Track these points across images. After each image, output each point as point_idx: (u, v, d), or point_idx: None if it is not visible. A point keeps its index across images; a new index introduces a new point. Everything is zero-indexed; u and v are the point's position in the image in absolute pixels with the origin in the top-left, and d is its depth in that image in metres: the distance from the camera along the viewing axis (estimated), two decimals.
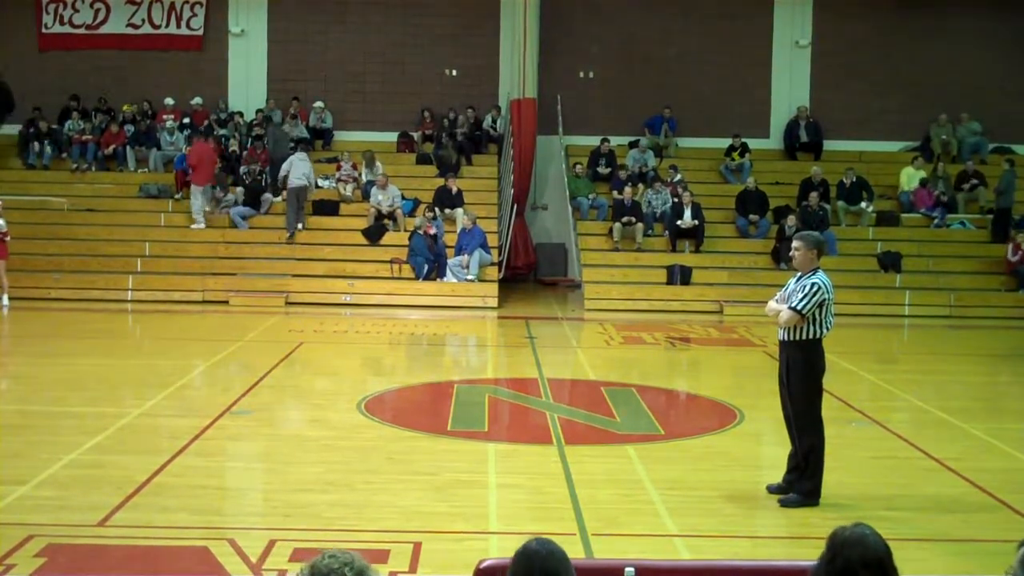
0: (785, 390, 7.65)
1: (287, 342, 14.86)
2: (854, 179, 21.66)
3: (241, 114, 23.11)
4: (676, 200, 20.89)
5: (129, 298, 19.16)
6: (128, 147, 22.40)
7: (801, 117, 23.57)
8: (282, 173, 20.66)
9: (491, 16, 23.59)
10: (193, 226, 20.63)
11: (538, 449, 9.07)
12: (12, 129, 22.95)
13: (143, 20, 23.64)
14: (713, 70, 23.82)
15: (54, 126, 22.60)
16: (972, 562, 6.62)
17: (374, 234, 20.44)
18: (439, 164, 22.35)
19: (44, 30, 23.64)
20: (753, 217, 21.08)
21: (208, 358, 13.47)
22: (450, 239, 20.17)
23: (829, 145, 23.56)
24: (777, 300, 7.70)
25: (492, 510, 7.41)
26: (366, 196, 21.28)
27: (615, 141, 23.02)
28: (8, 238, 18.25)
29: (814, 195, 20.82)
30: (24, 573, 5.91)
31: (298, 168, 20.42)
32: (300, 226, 20.60)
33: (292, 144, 21.74)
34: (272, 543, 6.43)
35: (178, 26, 23.67)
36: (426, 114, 23.58)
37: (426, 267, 19.53)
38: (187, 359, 13.41)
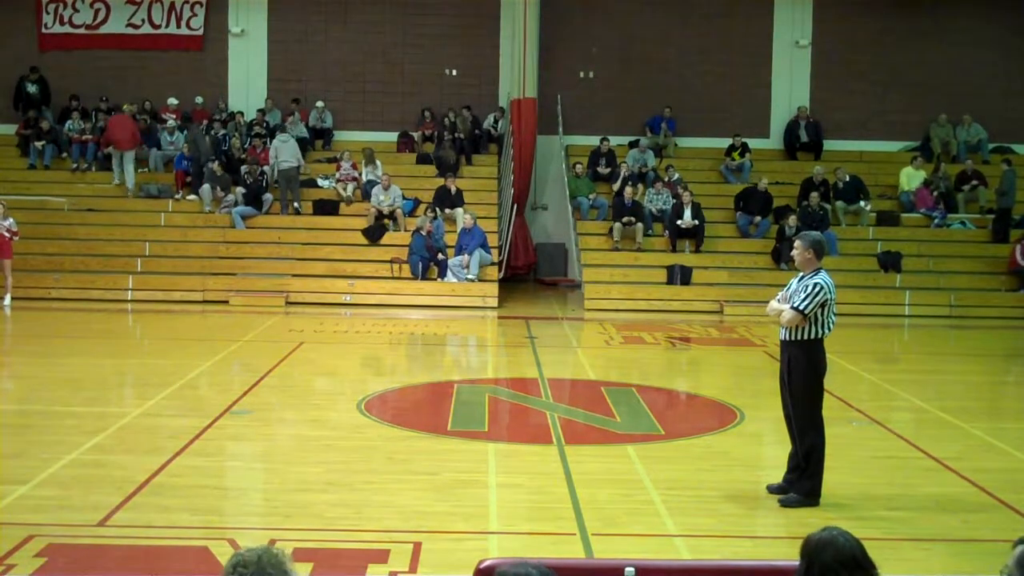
0: (786, 390, 7.65)
1: (287, 342, 14.86)
2: (846, 178, 21.65)
3: (241, 114, 23.12)
4: (676, 200, 20.90)
5: (129, 298, 19.17)
6: None
7: (801, 117, 23.57)
8: (271, 160, 21.31)
9: (491, 16, 23.60)
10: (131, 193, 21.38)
11: (538, 449, 9.07)
12: (10, 128, 23.02)
13: (143, 20, 23.65)
14: (713, 70, 23.83)
15: (55, 126, 22.62)
16: (972, 562, 6.61)
17: (374, 234, 20.45)
18: (439, 164, 22.35)
19: (44, 30, 23.64)
20: (756, 219, 21.07)
21: (208, 358, 13.46)
22: (450, 239, 20.17)
23: (829, 145, 23.57)
24: (779, 300, 7.70)
25: (492, 510, 7.41)
26: (366, 196, 21.30)
27: (615, 141, 23.02)
28: (16, 237, 18.31)
29: (815, 195, 20.82)
30: (24, 573, 5.90)
31: (283, 151, 21.07)
32: (297, 205, 20.99)
33: (213, 151, 21.90)
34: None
35: (178, 26, 23.67)
36: (426, 114, 23.58)
37: (420, 265, 19.51)
38: (187, 359, 13.39)
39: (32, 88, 22.92)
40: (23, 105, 22.93)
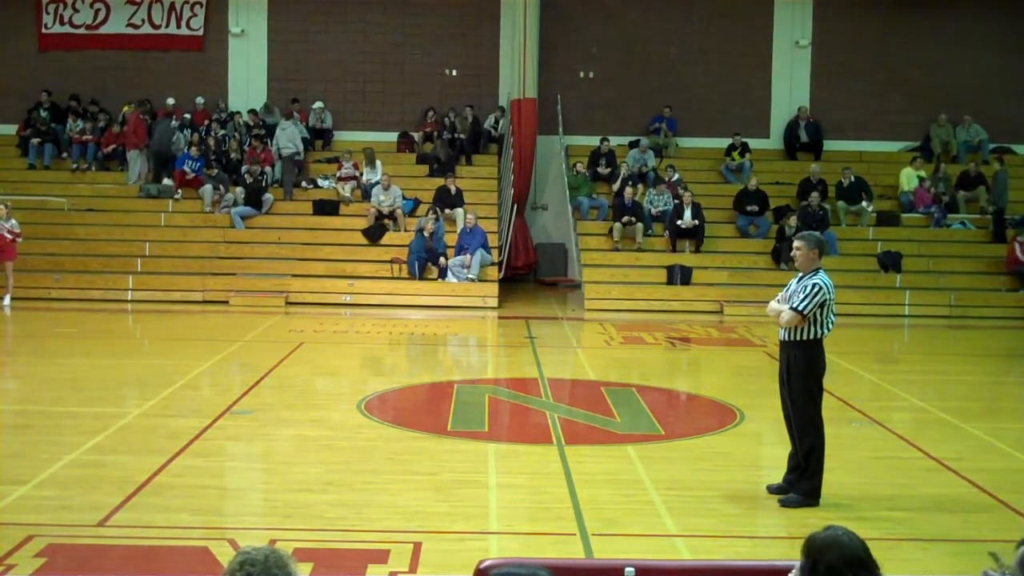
0: (785, 390, 7.65)
1: (287, 342, 14.86)
2: (852, 179, 21.68)
3: (240, 114, 23.12)
4: (677, 200, 20.90)
5: (129, 298, 19.17)
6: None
7: (801, 117, 23.57)
8: (275, 145, 21.94)
9: (491, 16, 23.60)
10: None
11: (538, 449, 9.07)
12: (11, 129, 23.02)
13: (143, 20, 23.65)
14: (713, 70, 23.84)
15: (55, 126, 22.61)
16: (972, 562, 6.60)
17: (374, 234, 20.45)
18: (443, 163, 22.28)
19: (44, 30, 23.64)
20: (753, 208, 21.04)
21: (208, 358, 13.47)
22: (450, 239, 20.17)
23: (829, 145, 23.58)
24: (778, 300, 7.70)
25: (492, 510, 7.41)
26: (366, 196, 21.30)
27: (615, 141, 23.02)
28: (20, 239, 18.31)
29: (815, 195, 20.82)
30: (24, 573, 5.90)
31: (282, 138, 21.70)
32: (289, 196, 21.56)
33: (175, 143, 22.09)
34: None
35: (178, 26, 23.67)
36: (429, 114, 23.57)
37: (417, 264, 19.49)
38: (187, 359, 13.40)
39: (45, 114, 22.83)
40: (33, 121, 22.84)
